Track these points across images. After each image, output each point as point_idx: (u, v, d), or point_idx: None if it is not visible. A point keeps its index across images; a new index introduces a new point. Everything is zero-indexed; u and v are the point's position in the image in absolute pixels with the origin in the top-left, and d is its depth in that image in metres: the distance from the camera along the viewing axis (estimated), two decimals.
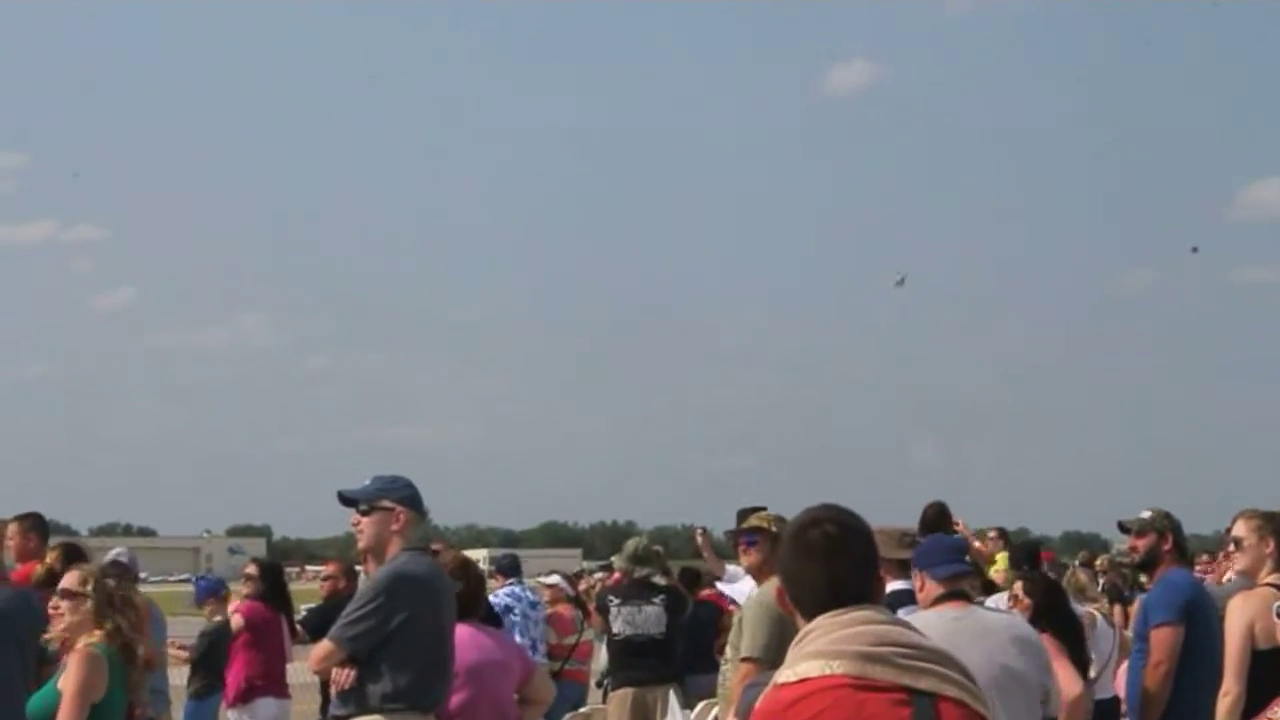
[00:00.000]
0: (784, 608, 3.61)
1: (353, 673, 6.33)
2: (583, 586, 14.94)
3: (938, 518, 10.48)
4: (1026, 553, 13.48)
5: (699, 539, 13.09)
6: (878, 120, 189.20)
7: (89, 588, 6.36)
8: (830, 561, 3.54)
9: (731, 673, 6.95)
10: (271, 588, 11.74)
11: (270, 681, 11.42)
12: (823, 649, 3.45)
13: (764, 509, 7.74)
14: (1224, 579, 10.95)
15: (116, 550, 11.05)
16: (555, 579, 14.24)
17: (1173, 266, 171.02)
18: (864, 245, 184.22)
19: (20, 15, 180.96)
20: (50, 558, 8.74)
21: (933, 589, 5.89)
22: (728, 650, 7.15)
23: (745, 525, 7.38)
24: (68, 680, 6.21)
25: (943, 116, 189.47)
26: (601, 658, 13.11)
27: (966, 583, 6.04)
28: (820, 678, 3.41)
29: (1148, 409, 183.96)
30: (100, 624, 6.33)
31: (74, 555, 9.23)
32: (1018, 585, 8.44)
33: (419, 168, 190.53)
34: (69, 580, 6.46)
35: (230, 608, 12.14)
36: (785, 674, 3.47)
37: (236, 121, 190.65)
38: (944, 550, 6.07)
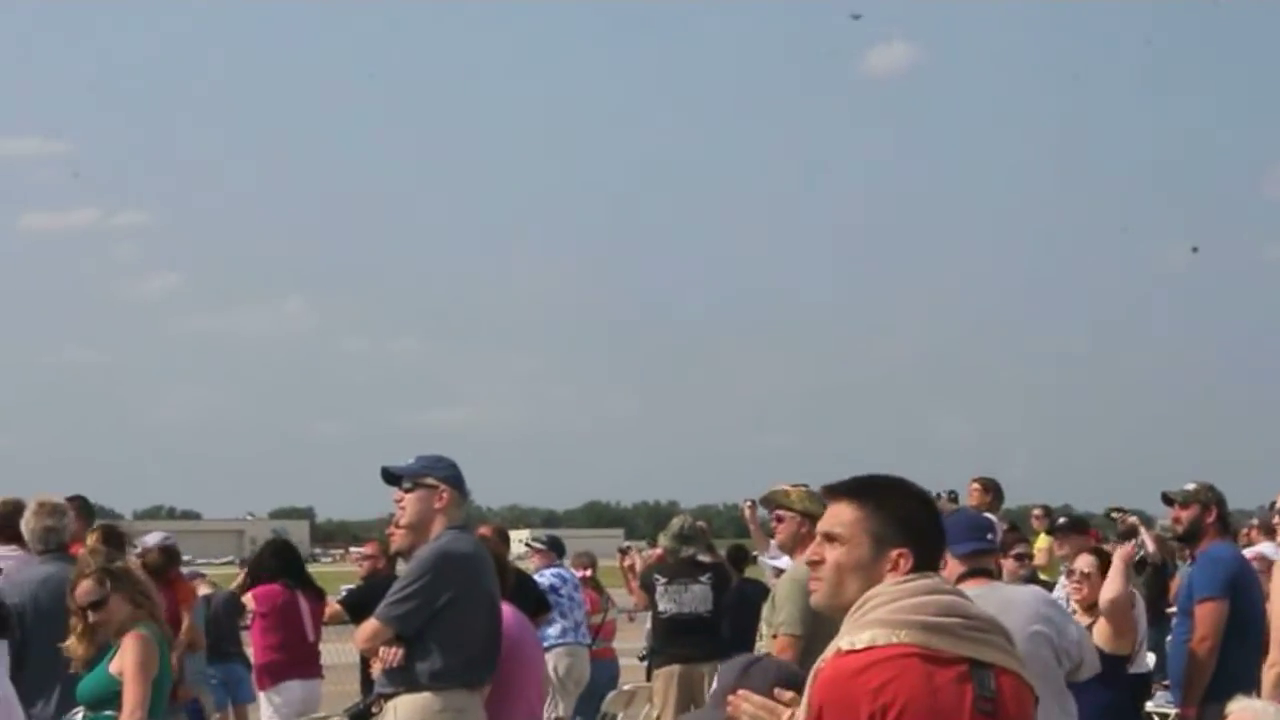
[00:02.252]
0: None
1: (401, 651, 6.33)
2: (627, 564, 14.96)
3: (989, 495, 10.42)
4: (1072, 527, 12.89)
5: (746, 512, 13.10)
6: (917, 102, 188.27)
7: (107, 587, 6.42)
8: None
9: (767, 649, 6.95)
10: (280, 568, 11.31)
11: (294, 663, 10.89)
12: (885, 618, 3.43)
13: (805, 486, 7.72)
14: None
15: (157, 534, 11.01)
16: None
17: (1208, 243, 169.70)
18: (903, 226, 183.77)
19: (63, 5, 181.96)
20: (91, 539, 8.79)
21: (954, 567, 5.70)
22: (762, 626, 7.14)
23: (774, 502, 7.36)
24: (126, 662, 6.27)
25: (981, 97, 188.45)
26: (645, 634, 13.16)
27: (989, 560, 5.96)
28: (887, 646, 3.39)
29: (1190, 383, 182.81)
30: (138, 608, 6.41)
31: (112, 537, 9.30)
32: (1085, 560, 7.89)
33: (456, 151, 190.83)
34: (85, 593, 6.43)
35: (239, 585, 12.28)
36: (847, 641, 3.44)
37: (276, 106, 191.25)
38: (966, 527, 5.88)
